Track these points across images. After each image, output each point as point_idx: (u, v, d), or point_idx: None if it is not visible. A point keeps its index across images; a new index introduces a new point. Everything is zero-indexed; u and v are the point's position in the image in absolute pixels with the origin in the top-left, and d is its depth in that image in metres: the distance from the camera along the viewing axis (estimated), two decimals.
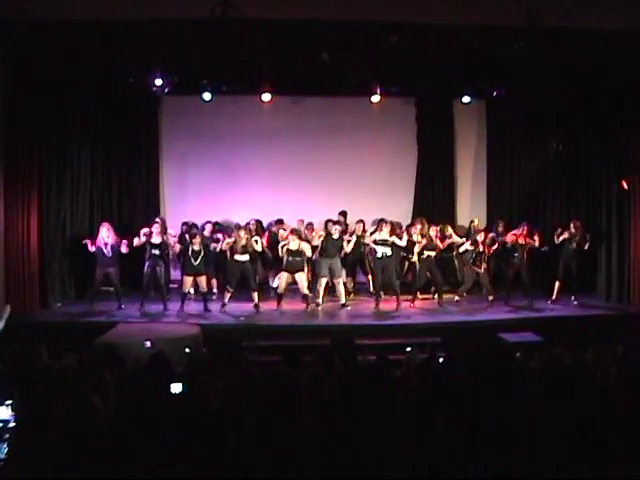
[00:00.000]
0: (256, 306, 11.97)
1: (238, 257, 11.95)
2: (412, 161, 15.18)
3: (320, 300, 12.28)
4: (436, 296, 12.78)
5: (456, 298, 12.71)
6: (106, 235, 11.95)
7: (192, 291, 12.48)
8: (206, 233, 13.11)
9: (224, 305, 11.94)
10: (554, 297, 12.58)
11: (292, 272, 12.06)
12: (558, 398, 4.13)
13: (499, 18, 10.26)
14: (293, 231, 12.49)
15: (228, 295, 11.96)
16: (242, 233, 12.03)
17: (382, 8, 10.12)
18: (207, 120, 14.42)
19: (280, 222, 13.80)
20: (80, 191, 13.51)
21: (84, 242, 12.07)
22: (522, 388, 4.37)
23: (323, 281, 12.34)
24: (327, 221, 12.84)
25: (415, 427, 3.76)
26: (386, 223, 12.46)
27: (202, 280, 12.13)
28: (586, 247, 12.51)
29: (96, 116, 13.51)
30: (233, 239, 12.06)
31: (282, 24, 10.41)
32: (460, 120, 15.27)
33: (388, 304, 12.40)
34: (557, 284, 12.61)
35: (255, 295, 12.03)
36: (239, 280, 12.09)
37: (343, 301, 12.29)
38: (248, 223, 13.26)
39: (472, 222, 13.62)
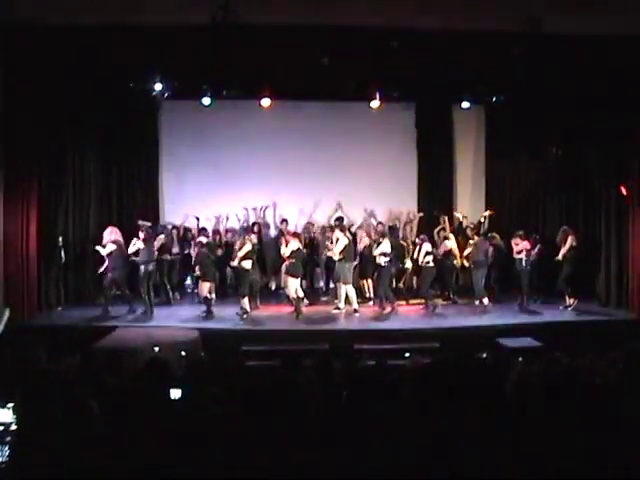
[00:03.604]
0: (245, 313, 11.84)
1: (246, 264, 11.91)
2: (412, 166, 15.22)
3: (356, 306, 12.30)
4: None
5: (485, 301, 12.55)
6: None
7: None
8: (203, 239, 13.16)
9: (247, 313, 11.83)
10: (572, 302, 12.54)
11: (295, 276, 12.07)
12: (556, 402, 4.13)
13: (499, 24, 10.29)
14: (295, 233, 12.58)
15: (246, 301, 11.86)
16: (251, 238, 12.01)
17: (382, 14, 10.15)
18: (207, 125, 14.45)
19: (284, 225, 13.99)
20: (79, 195, 13.50)
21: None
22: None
23: (351, 288, 12.35)
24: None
25: (413, 429, 3.76)
26: (386, 233, 12.71)
27: (201, 286, 12.11)
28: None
29: (96, 120, 13.53)
30: (248, 247, 11.96)
31: (282, 29, 10.43)
32: (459, 125, 15.31)
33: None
34: (570, 289, 12.60)
35: (246, 301, 11.89)
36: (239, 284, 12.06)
37: (356, 307, 12.28)
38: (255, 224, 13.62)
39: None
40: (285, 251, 12.19)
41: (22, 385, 4.60)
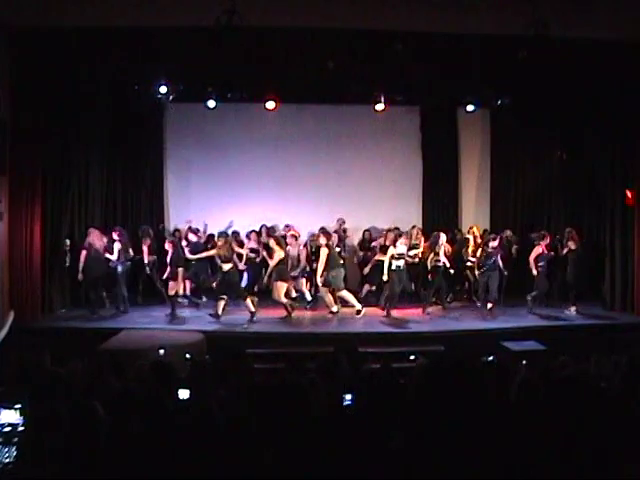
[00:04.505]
0: (252, 314, 11.80)
1: (224, 266, 11.89)
2: (417, 169, 15.23)
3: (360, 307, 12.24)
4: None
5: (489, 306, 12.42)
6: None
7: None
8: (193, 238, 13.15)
9: (218, 316, 11.71)
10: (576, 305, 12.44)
11: (284, 280, 12.06)
12: (558, 405, 4.13)
13: (504, 27, 10.28)
14: (276, 239, 12.35)
15: (222, 304, 11.77)
16: (220, 242, 11.97)
17: (387, 17, 10.15)
18: (211, 127, 14.49)
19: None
20: (84, 198, 13.51)
21: None
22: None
23: (345, 293, 12.30)
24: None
25: (417, 432, 3.76)
26: (403, 235, 12.54)
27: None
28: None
29: (101, 123, 13.55)
30: (216, 249, 12.05)
31: (287, 32, 10.45)
32: (464, 128, 15.31)
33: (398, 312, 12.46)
34: (574, 292, 12.53)
35: (248, 302, 11.85)
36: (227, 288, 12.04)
37: (359, 307, 12.20)
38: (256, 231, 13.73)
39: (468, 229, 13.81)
40: (271, 262, 12.10)
41: (28, 387, 4.62)
